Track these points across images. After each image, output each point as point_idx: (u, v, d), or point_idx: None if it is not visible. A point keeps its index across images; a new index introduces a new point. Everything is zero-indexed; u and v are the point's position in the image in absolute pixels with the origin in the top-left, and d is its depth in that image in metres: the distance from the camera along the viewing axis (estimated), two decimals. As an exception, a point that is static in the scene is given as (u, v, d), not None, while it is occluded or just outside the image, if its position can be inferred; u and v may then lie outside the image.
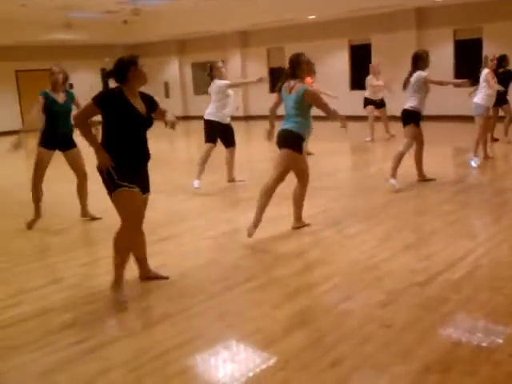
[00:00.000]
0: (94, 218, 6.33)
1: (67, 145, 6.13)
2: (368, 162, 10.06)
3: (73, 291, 4.26)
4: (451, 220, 5.67)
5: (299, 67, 5.29)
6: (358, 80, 15.56)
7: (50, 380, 3.00)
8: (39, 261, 5.07)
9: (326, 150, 10.42)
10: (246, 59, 19.56)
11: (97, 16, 16.91)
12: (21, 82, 19.95)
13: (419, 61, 7.00)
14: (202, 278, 4.45)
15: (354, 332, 3.33)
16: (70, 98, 6.11)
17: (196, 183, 7.49)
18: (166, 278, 4.40)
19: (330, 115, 5.18)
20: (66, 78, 6.09)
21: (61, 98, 6.02)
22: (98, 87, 22.57)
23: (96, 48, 21.16)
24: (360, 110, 12.40)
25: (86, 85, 21.85)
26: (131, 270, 4.30)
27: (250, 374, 2.96)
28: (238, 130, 14.79)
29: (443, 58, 14.68)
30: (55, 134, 6.01)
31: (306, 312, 3.66)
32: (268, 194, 5.24)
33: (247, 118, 19.34)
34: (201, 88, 20.49)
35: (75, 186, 6.28)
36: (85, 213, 6.37)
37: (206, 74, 7.66)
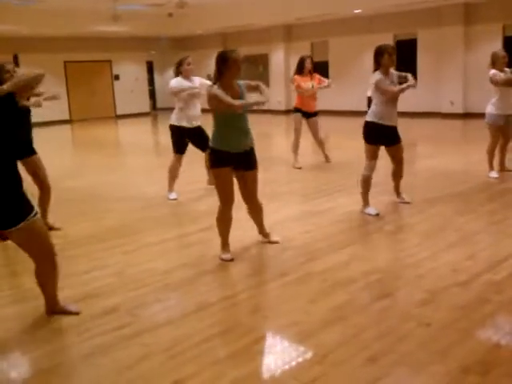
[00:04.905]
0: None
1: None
2: (412, 159, 9.88)
3: (115, 278, 4.37)
4: (495, 220, 5.57)
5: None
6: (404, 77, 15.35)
7: (92, 363, 3.09)
8: (82, 247, 5.20)
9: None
10: (290, 53, 19.50)
11: (143, 8, 17.14)
12: (69, 73, 20.43)
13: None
14: (240, 270, 4.50)
15: (392, 329, 3.31)
16: None
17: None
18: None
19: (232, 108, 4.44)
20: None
21: None
22: (143, 79, 22.96)
23: (142, 40, 21.47)
24: (410, 106, 12.21)
25: (131, 76, 22.29)
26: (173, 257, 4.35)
27: (287, 367, 2.99)
28: (280, 123, 14.71)
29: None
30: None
31: (344, 307, 3.66)
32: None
33: (288, 111, 19.32)
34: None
35: (116, 175, 6.28)
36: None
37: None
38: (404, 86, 5.65)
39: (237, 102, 4.37)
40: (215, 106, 4.46)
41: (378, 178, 6.24)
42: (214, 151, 4.60)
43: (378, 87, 5.62)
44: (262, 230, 5.07)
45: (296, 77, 8.69)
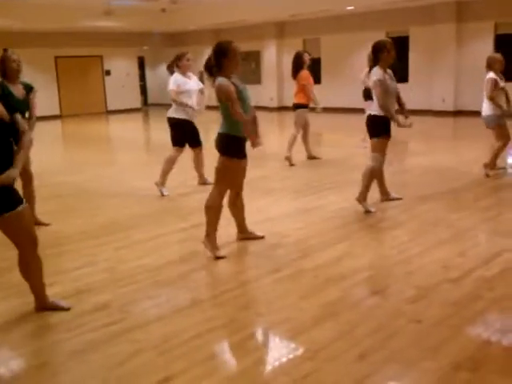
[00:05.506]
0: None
1: None
2: (403, 156, 9.91)
3: (106, 274, 4.35)
4: (487, 216, 5.59)
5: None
6: (394, 73, 15.36)
7: (82, 359, 3.07)
8: (74, 243, 5.17)
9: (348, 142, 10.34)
10: (282, 50, 19.48)
11: (136, 3, 17.05)
12: (60, 68, 20.30)
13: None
14: (232, 267, 4.50)
15: (383, 326, 3.31)
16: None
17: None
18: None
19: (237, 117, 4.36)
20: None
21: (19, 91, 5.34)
22: (134, 74, 22.87)
23: (134, 36, 21.36)
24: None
25: (123, 72, 22.19)
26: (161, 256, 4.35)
27: (278, 363, 2.98)
28: (272, 120, 14.71)
29: (483, 53, 14.37)
30: None
31: (335, 304, 3.66)
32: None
33: (281, 108, 19.30)
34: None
35: (107, 170, 6.27)
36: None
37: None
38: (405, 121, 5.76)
39: (243, 115, 4.29)
40: (224, 98, 4.31)
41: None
42: (231, 138, 4.43)
43: (375, 86, 5.60)
44: (244, 225, 5.03)
45: (305, 71, 8.60)
